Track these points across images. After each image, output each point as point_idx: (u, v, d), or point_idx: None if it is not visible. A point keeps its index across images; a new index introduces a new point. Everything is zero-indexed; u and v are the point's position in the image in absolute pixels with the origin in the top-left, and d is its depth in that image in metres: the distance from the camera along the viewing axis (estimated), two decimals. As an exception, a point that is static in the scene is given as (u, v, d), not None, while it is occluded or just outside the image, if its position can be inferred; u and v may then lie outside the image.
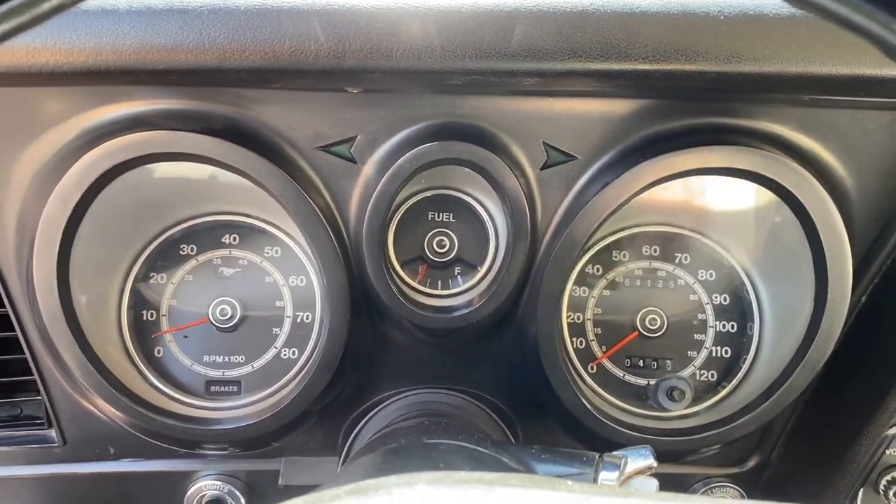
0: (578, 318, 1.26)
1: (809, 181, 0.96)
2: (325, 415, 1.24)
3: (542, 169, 1.01)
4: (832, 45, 0.84)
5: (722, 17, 0.83)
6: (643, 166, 0.95)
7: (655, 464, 0.83)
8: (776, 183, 0.96)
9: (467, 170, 1.03)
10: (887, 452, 1.24)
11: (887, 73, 0.84)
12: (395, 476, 0.55)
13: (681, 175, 0.97)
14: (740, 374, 1.21)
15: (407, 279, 1.14)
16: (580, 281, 1.26)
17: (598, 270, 1.26)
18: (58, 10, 0.45)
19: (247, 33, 0.83)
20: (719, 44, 0.82)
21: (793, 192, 0.96)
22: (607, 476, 0.80)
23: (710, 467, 1.33)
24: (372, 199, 0.99)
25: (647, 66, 0.82)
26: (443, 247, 1.13)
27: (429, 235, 1.14)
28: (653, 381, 1.20)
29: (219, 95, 0.95)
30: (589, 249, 1.25)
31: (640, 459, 0.83)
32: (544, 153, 1.01)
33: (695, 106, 0.97)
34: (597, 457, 0.83)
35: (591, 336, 1.26)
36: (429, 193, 1.14)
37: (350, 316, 1.05)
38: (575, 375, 1.22)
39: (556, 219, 1.04)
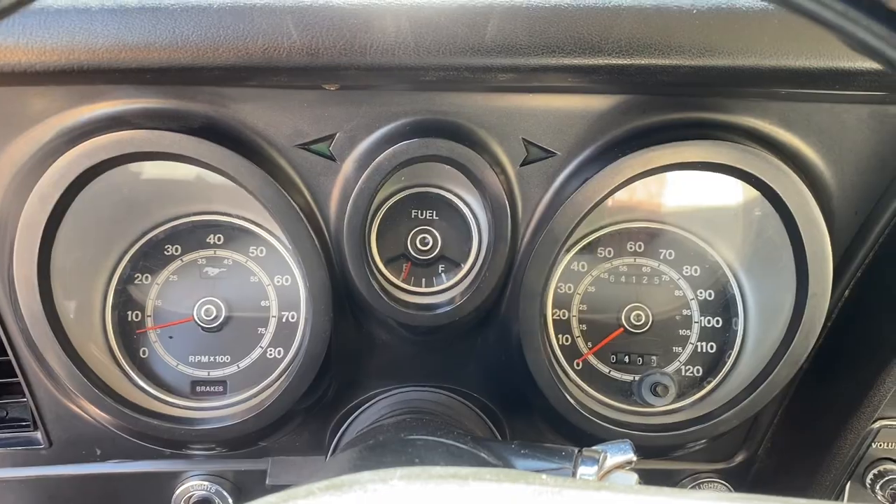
0: (564, 315, 1.26)
1: (788, 175, 0.96)
2: (312, 414, 1.24)
3: (521, 165, 1.01)
4: (805, 39, 0.84)
5: (695, 12, 0.83)
6: (622, 161, 0.95)
7: (635, 458, 0.83)
8: (755, 177, 0.96)
9: (449, 167, 1.03)
10: (873, 446, 1.25)
11: (860, 66, 0.84)
12: (369, 472, 0.55)
13: (660, 170, 0.97)
14: (725, 369, 1.22)
15: (390, 277, 1.14)
16: (565, 278, 1.26)
17: (583, 267, 1.26)
18: (18, 5, 0.45)
19: (220, 31, 0.83)
20: (692, 38, 0.82)
21: (772, 186, 0.96)
22: (586, 471, 0.80)
23: (698, 463, 1.33)
24: (352, 197, 0.99)
25: (620, 61, 0.82)
26: (426, 244, 1.13)
27: (412, 233, 1.14)
28: (638, 377, 1.20)
29: (197, 94, 0.95)
30: (573, 246, 1.25)
31: (619, 454, 0.83)
32: (524, 149, 1.01)
33: (674, 101, 0.97)
34: (576, 451, 0.83)
35: (576, 332, 1.26)
36: (411, 191, 1.14)
37: (333, 315, 1.04)
38: (560, 372, 1.22)
39: (537, 215, 1.04)
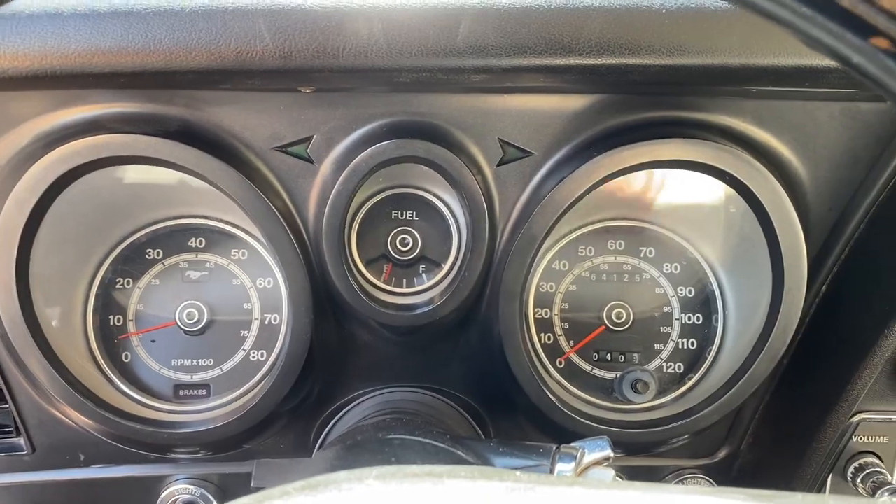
0: (546, 314, 1.27)
1: (762, 172, 0.98)
2: (296, 415, 1.24)
3: (498, 165, 1.02)
4: (773, 38, 0.85)
5: (664, 11, 0.84)
6: (597, 160, 0.96)
7: (612, 454, 0.84)
8: (730, 175, 0.97)
9: (427, 168, 1.04)
10: (854, 439, 1.26)
11: (827, 64, 0.85)
12: (345, 472, 0.55)
13: (635, 168, 0.98)
14: (705, 366, 1.23)
15: (371, 278, 1.15)
16: (547, 277, 1.27)
17: (564, 266, 1.27)
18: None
19: (192, 35, 0.83)
20: (662, 37, 0.83)
21: (746, 183, 0.97)
22: (563, 467, 0.81)
23: (682, 459, 1.34)
24: (330, 199, 1.00)
25: (591, 61, 0.83)
26: (406, 245, 1.14)
27: (392, 234, 1.14)
28: (619, 375, 1.21)
29: (173, 98, 0.95)
30: (554, 245, 1.26)
31: (596, 450, 0.84)
32: (500, 150, 1.01)
33: (649, 100, 0.98)
34: (554, 448, 0.83)
35: (558, 331, 1.27)
36: (391, 192, 1.15)
37: (313, 316, 1.05)
38: (542, 370, 1.22)
39: (514, 215, 1.05)
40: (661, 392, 1.23)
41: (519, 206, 1.04)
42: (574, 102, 0.99)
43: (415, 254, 1.14)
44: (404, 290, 1.15)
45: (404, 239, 1.14)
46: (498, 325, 1.08)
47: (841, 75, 0.86)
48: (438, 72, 0.84)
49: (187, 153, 0.94)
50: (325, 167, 1.01)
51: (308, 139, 0.99)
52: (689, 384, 1.22)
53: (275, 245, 1.00)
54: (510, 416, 1.27)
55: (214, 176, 0.95)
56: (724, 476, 1.35)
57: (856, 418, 1.22)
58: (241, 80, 0.87)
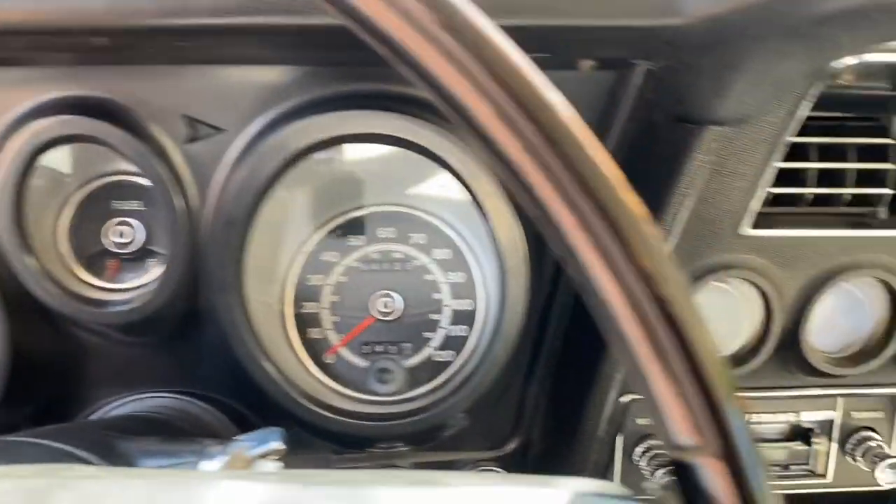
0: (314, 308, 1.21)
1: (455, 143, 0.92)
2: (44, 423, 1.14)
3: (186, 144, 0.94)
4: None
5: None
6: (281, 134, 0.89)
7: (281, 447, 0.78)
8: (426, 149, 0.92)
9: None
10: (634, 422, 1.23)
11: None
12: None
13: (331, 143, 0.91)
14: (467, 353, 1.18)
15: (79, 273, 1.04)
16: (314, 269, 1.20)
17: (333, 256, 1.21)
18: None
19: None
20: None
21: (441, 156, 0.92)
22: (208, 464, 0.74)
23: (477, 451, 1.30)
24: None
25: (229, 22, 0.75)
26: (123, 237, 1.05)
27: (109, 226, 1.05)
28: (368, 366, 1.15)
29: None
30: (315, 233, 1.20)
31: (263, 444, 0.78)
32: (187, 127, 0.94)
33: (349, 72, 0.92)
34: (203, 444, 0.76)
35: (328, 325, 1.21)
36: (110, 180, 1.06)
37: (6, 317, 0.95)
38: (297, 366, 1.16)
39: (213, 199, 0.97)
40: (427, 381, 1.18)
41: (216, 188, 0.96)
42: (268, 75, 0.92)
43: (136, 247, 1.05)
44: (124, 286, 1.06)
45: (123, 231, 1.05)
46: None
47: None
48: (52, 34, 0.75)
49: None
50: (-11, 148, 0.91)
51: (-38, 119, 0.89)
52: (451, 372, 1.17)
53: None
54: (274, 418, 1.20)
55: None
56: (519, 466, 1.31)
57: (625, 399, 1.19)
58: None
